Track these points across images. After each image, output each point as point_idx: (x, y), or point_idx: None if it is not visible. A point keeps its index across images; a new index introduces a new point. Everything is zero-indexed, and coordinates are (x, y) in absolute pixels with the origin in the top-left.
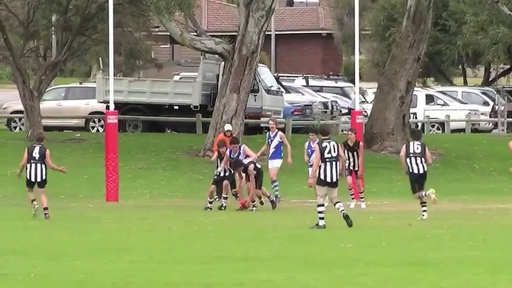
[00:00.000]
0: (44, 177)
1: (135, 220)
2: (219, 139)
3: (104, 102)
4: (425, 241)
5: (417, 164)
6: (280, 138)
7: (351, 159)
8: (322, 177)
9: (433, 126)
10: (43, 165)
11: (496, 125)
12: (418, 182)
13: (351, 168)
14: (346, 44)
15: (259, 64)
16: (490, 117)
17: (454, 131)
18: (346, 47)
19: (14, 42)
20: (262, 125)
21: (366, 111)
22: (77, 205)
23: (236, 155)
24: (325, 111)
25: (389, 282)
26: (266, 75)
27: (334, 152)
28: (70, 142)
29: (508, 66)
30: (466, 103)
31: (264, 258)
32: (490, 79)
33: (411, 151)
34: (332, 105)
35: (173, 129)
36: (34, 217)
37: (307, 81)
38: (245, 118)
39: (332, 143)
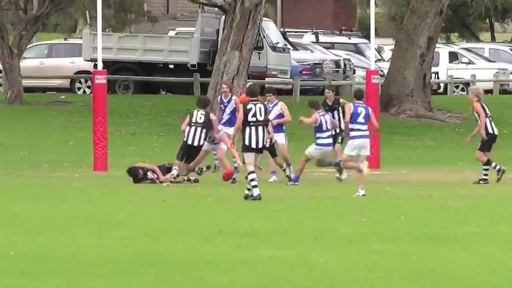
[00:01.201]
0: None
1: (126, 191)
2: (243, 100)
3: (91, 60)
4: (448, 214)
5: (195, 135)
6: (235, 104)
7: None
8: (247, 142)
9: (457, 87)
10: None
11: None
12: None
13: (333, 132)
14: None
15: (264, 18)
16: None
17: None
18: None
19: None
20: (267, 85)
21: (382, 71)
22: (62, 174)
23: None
24: (337, 71)
25: (408, 259)
26: (271, 31)
27: (261, 115)
28: (54, 105)
29: None
30: (494, 61)
31: (270, 233)
32: None
33: (193, 120)
34: (345, 64)
35: (168, 90)
36: None
37: (317, 37)
38: (248, 78)
39: (259, 105)
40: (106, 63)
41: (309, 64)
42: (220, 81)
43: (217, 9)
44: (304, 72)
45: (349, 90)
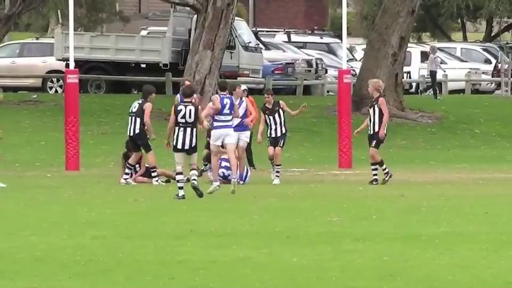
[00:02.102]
0: None
1: (98, 191)
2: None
3: (63, 59)
4: (420, 214)
5: (130, 125)
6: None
7: (273, 125)
8: (175, 143)
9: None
10: None
11: (499, 85)
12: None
13: (273, 136)
14: None
15: (236, 17)
16: (493, 76)
17: (452, 92)
18: None
19: None
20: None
21: (354, 70)
22: (34, 174)
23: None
24: (309, 70)
25: (380, 259)
26: (243, 30)
27: (190, 117)
28: (25, 104)
29: None
30: (466, 61)
31: (242, 233)
32: (492, 34)
33: (129, 110)
34: (317, 64)
35: (140, 89)
36: None
37: (289, 37)
38: (220, 78)
39: (189, 107)
40: (78, 62)
41: (281, 63)
42: (193, 81)
43: (189, 8)
44: (276, 71)
45: (321, 90)
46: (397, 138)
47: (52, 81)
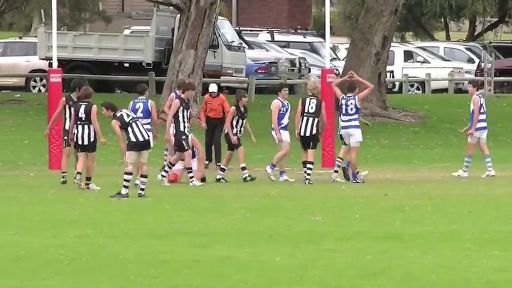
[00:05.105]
0: None
1: (81, 190)
2: (206, 100)
3: (47, 59)
4: (403, 213)
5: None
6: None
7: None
8: (132, 138)
9: (412, 85)
10: None
11: (482, 85)
12: None
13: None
14: None
15: (219, 17)
16: (476, 75)
17: (435, 91)
18: None
19: None
20: (222, 84)
21: (337, 69)
22: (17, 173)
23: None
24: (293, 69)
25: (363, 258)
26: (226, 29)
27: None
28: (8, 103)
29: (496, 19)
30: (449, 60)
31: (225, 232)
32: (475, 33)
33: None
34: (300, 63)
35: (123, 89)
36: None
37: (272, 36)
38: (203, 77)
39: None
40: (61, 61)
41: (264, 63)
42: (176, 80)
43: (172, 8)
44: (260, 70)
45: (304, 89)
46: (380, 137)
47: (35, 81)
